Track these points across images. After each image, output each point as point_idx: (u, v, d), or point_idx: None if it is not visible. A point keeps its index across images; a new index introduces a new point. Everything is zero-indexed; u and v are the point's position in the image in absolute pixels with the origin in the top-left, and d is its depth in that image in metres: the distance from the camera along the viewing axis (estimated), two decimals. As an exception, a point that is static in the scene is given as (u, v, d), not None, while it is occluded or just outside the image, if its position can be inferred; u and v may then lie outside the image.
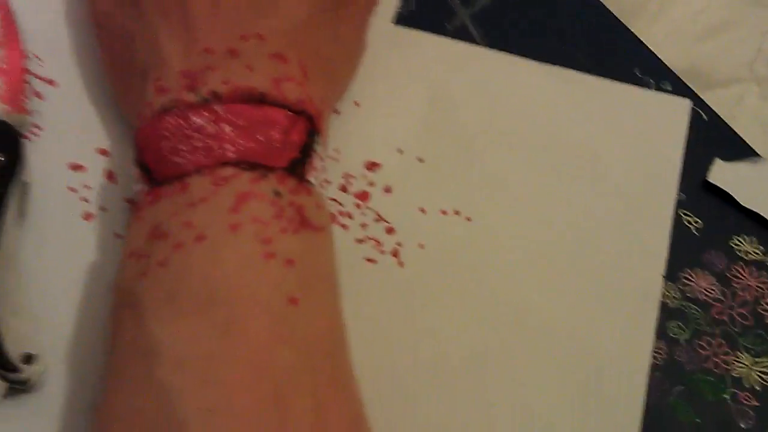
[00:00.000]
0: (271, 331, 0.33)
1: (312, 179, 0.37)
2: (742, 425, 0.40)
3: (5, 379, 0.37)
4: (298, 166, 0.36)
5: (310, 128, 0.37)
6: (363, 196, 0.43)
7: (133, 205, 0.37)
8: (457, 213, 0.43)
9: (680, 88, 0.46)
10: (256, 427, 0.31)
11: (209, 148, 0.35)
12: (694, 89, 0.46)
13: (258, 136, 0.35)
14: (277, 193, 0.35)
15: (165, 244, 0.34)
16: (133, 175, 0.37)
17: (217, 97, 0.36)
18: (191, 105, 0.36)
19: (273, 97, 0.36)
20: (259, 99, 0.36)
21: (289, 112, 0.36)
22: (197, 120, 0.35)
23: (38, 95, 0.42)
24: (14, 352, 0.37)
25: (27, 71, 0.42)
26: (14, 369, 0.37)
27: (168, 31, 0.38)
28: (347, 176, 0.43)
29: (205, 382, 0.31)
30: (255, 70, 0.37)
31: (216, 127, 0.35)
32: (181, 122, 0.35)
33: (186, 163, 0.35)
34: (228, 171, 0.35)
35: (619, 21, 0.48)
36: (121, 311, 0.35)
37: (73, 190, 0.41)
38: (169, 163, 0.35)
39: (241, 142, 0.35)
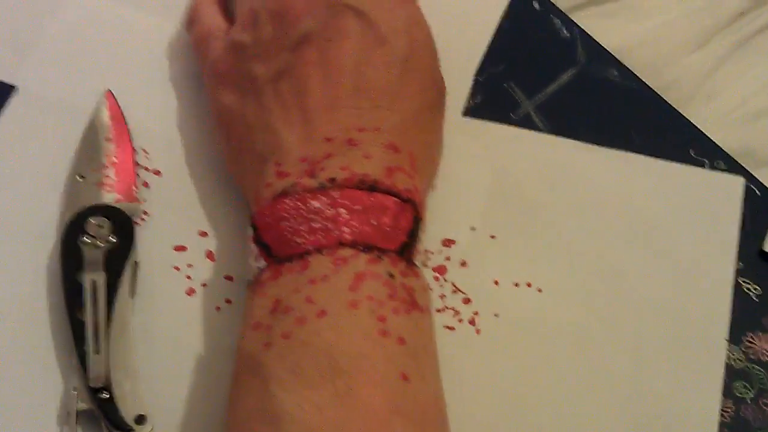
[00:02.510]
0: (387, 403, 0.35)
1: (417, 262, 0.40)
2: (808, 477, 0.42)
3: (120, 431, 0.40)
4: (406, 250, 0.39)
5: (415, 215, 0.40)
6: (441, 269, 0.46)
7: (254, 279, 0.40)
8: (528, 284, 0.46)
9: (733, 167, 0.49)
10: None
11: (328, 229, 0.38)
12: (746, 167, 0.49)
13: (371, 221, 0.39)
14: (391, 275, 0.38)
15: (288, 318, 0.37)
16: (251, 253, 0.40)
17: (334, 182, 0.39)
18: (310, 189, 0.39)
19: (385, 185, 0.40)
20: (371, 186, 0.39)
21: (398, 200, 0.40)
22: (315, 204, 0.39)
23: (146, 185, 0.47)
24: (127, 413, 0.41)
25: (136, 164, 0.47)
26: (128, 429, 0.40)
27: (287, 122, 0.42)
28: (426, 252, 0.46)
29: None
30: (371, 159, 0.40)
31: (333, 210, 0.38)
32: (300, 205, 0.39)
33: (306, 242, 0.38)
34: (347, 252, 0.38)
35: (673, 107, 0.51)
36: (245, 377, 0.37)
37: (177, 268, 0.45)
38: (290, 242, 0.39)
39: (356, 225, 0.38)
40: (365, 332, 0.37)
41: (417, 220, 0.40)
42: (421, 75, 0.44)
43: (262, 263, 0.40)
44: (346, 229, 0.38)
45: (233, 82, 0.45)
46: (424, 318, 0.39)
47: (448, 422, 0.38)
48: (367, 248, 0.38)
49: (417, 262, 0.41)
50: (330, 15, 0.43)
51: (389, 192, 0.40)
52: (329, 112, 0.42)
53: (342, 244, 0.38)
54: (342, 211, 0.39)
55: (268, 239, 0.40)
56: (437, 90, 0.45)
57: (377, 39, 0.43)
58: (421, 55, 0.44)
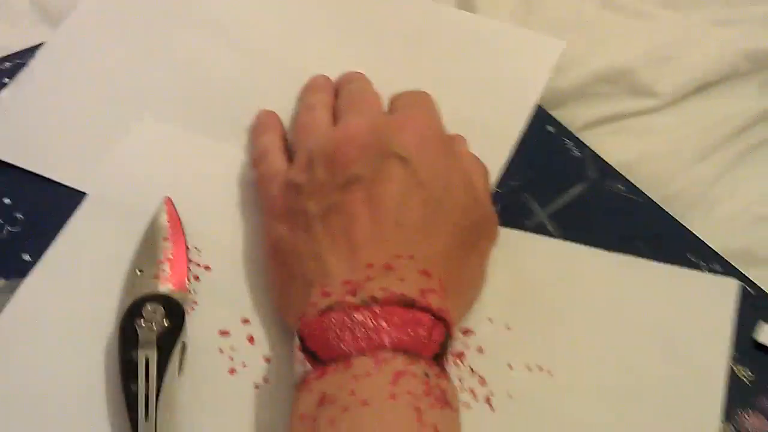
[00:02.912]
0: None
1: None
2: None
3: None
4: (439, 359, 0.44)
5: (446, 331, 0.45)
6: (460, 355, 0.51)
7: (299, 380, 0.44)
8: (540, 369, 0.50)
9: (728, 269, 0.54)
10: None
11: (369, 338, 0.43)
12: (745, 267, 0.54)
13: (409, 332, 0.43)
14: (427, 375, 0.43)
15: (333, 407, 0.41)
16: (297, 359, 0.45)
17: (375, 300, 0.44)
18: (353, 305, 0.44)
19: (420, 303, 0.45)
20: (409, 304, 0.44)
21: (432, 317, 0.45)
22: (358, 316, 0.44)
23: (196, 278, 0.53)
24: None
25: (189, 260, 0.53)
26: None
27: (335, 252, 0.47)
28: (446, 339, 0.51)
29: None
30: (406, 281, 0.45)
31: (375, 322, 0.43)
32: (345, 318, 0.44)
33: (349, 348, 0.43)
34: (387, 354, 0.43)
35: (674, 217, 0.56)
36: None
37: (221, 350, 0.50)
38: (334, 347, 0.43)
39: (395, 334, 0.43)
40: (404, 420, 0.41)
41: (447, 336, 0.45)
42: (454, 215, 0.48)
43: (308, 366, 0.44)
44: (386, 337, 0.43)
45: (288, 216, 0.50)
46: (455, 416, 0.43)
47: None
48: (405, 352, 0.43)
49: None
50: (378, 161, 0.48)
51: (424, 309, 0.45)
52: (372, 243, 0.47)
53: (383, 348, 0.43)
54: (382, 322, 0.43)
55: (314, 346, 0.44)
56: (472, 229, 0.49)
57: (417, 182, 0.48)
58: (455, 198, 0.49)
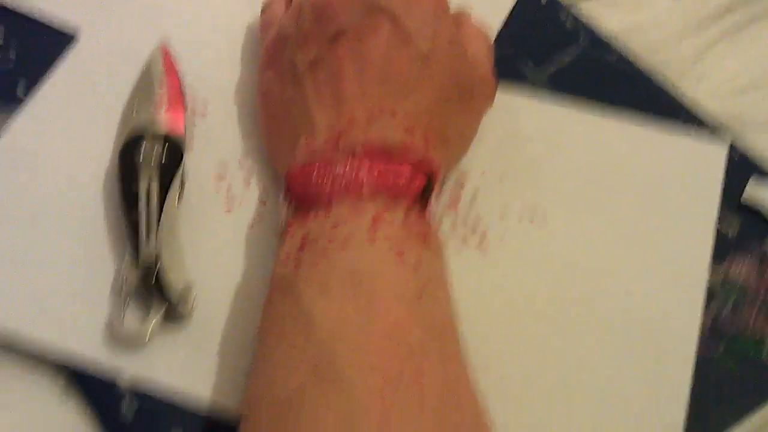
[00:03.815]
0: (405, 314, 0.40)
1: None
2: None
3: (167, 301, 0.46)
4: (419, 205, 0.45)
5: (427, 181, 0.46)
6: (453, 203, 0.52)
7: (283, 227, 0.45)
8: (531, 218, 0.51)
9: (717, 132, 0.55)
10: (399, 375, 0.38)
11: (348, 185, 0.44)
12: (732, 133, 0.56)
13: (388, 179, 0.44)
14: (405, 220, 0.43)
15: (314, 251, 0.42)
16: (281, 208, 0.46)
17: (355, 151, 0.45)
18: (334, 156, 0.45)
19: (400, 155, 0.45)
20: (389, 154, 0.45)
21: (411, 167, 0.45)
22: (339, 166, 0.44)
23: (192, 123, 0.53)
24: (175, 284, 0.46)
25: (185, 107, 0.53)
26: (175, 296, 0.46)
27: (320, 106, 0.47)
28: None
29: (355, 344, 0.39)
30: (387, 134, 0.46)
31: (354, 171, 0.44)
32: (326, 168, 0.45)
33: (329, 195, 0.44)
34: (365, 202, 0.43)
35: (663, 85, 0.57)
36: (277, 296, 0.43)
37: (217, 191, 0.51)
38: (315, 196, 0.44)
39: (374, 182, 0.44)
40: (383, 260, 0.42)
41: (429, 185, 0.46)
42: (439, 73, 0.49)
43: (290, 214, 0.45)
44: (365, 184, 0.44)
45: (277, 66, 0.50)
46: (436, 258, 0.44)
47: (459, 339, 0.42)
48: (384, 198, 0.44)
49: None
50: (365, 15, 0.48)
51: (404, 160, 0.45)
52: (355, 98, 0.47)
53: (361, 196, 0.44)
54: (362, 171, 0.44)
55: (297, 196, 0.45)
56: (462, 88, 0.50)
57: (403, 39, 0.48)
58: (441, 57, 0.49)
